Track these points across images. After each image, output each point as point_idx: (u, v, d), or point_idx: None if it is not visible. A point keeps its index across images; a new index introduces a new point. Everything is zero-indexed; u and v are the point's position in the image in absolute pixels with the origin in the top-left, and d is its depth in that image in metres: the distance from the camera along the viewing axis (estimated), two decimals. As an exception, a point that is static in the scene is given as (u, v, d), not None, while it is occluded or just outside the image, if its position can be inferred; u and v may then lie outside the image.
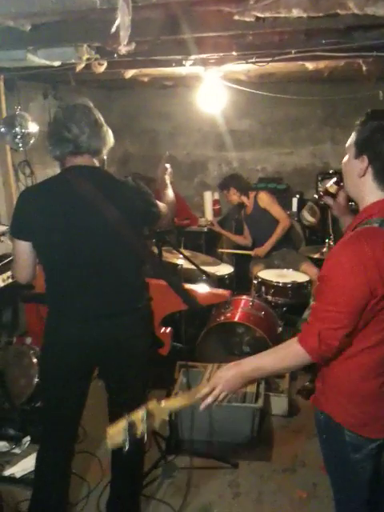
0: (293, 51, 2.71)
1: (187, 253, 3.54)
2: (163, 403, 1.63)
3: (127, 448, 1.53)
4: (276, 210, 4.36)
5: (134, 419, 1.55)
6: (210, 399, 1.63)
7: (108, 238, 2.02)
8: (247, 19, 1.92)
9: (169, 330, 2.54)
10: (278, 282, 3.80)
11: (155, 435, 3.04)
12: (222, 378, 1.62)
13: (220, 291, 3.19)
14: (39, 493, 2.26)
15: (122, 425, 1.54)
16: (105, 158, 2.15)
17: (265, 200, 4.39)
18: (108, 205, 1.97)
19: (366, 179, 1.52)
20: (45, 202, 2.01)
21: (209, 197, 5.22)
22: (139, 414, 1.56)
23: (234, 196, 4.50)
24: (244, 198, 4.49)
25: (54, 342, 2.14)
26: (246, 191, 4.49)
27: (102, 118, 2.08)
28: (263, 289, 3.86)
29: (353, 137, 1.55)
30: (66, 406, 2.19)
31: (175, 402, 1.72)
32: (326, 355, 1.53)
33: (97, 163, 2.08)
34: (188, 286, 2.73)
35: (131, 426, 1.54)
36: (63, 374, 2.14)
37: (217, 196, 5.41)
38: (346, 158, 1.60)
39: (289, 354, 1.57)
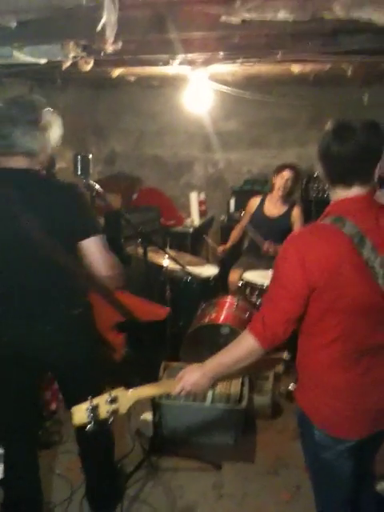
0: (279, 53, 2.72)
1: (173, 253, 3.54)
2: (130, 391, 1.70)
3: (91, 428, 1.60)
4: (296, 228, 4.25)
5: (98, 402, 1.63)
6: (180, 394, 1.76)
7: (21, 249, 1.94)
8: (234, 21, 1.92)
9: (121, 336, 2.46)
10: (262, 284, 3.80)
11: (139, 436, 3.04)
12: (189, 381, 1.73)
13: (158, 310, 2.83)
14: (9, 492, 2.34)
15: (85, 405, 1.61)
16: (43, 159, 2.00)
17: (298, 215, 4.26)
18: (25, 213, 1.88)
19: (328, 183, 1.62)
20: None
21: (195, 197, 5.22)
22: (104, 397, 1.64)
23: (289, 183, 4.17)
24: (289, 192, 4.22)
25: None
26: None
27: (47, 118, 1.96)
28: (248, 290, 3.86)
29: None
30: (16, 408, 2.25)
31: (142, 392, 1.77)
32: (273, 342, 1.59)
33: (34, 165, 1.97)
34: (130, 298, 2.51)
35: (94, 408, 1.61)
36: (5, 377, 2.19)
37: (203, 197, 5.41)
38: None
39: (242, 343, 1.65)
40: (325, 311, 1.54)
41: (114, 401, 1.65)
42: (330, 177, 1.59)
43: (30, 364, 2.17)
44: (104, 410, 1.64)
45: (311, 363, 1.66)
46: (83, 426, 1.61)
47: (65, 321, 2.09)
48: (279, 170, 4.19)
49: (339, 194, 1.58)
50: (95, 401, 1.63)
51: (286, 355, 3.62)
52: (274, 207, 4.31)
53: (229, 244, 4.57)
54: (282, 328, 1.56)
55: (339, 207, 1.57)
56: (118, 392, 1.67)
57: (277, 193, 4.20)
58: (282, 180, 4.15)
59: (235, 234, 4.58)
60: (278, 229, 4.17)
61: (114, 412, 1.66)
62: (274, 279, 1.60)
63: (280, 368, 1.80)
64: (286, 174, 4.14)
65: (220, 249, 4.55)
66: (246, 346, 1.63)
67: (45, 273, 2.00)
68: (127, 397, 1.69)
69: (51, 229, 1.91)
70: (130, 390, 1.71)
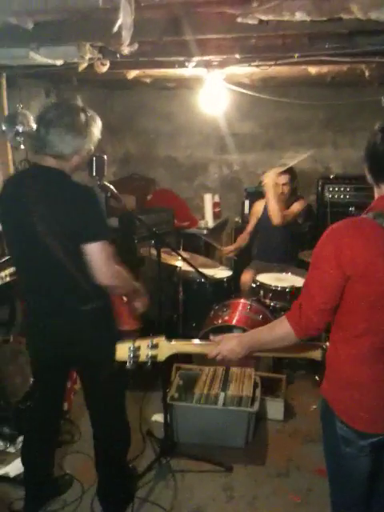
0: (296, 55, 2.71)
1: (186, 255, 3.53)
2: (173, 341, 1.78)
3: (129, 366, 1.71)
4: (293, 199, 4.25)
5: (140, 344, 1.72)
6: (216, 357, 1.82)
7: (35, 243, 1.99)
8: (250, 22, 1.91)
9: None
10: (277, 286, 3.78)
11: (150, 437, 3.04)
12: (226, 347, 1.78)
13: (130, 321, 2.56)
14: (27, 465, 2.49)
15: (128, 344, 1.71)
16: (75, 161, 2.08)
17: (299, 208, 4.20)
18: (42, 210, 1.95)
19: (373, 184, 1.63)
20: (5, 194, 2.12)
21: (209, 199, 5.21)
22: (146, 341, 1.73)
23: (287, 188, 4.14)
24: (288, 196, 4.16)
25: (28, 338, 2.38)
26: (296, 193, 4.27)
27: (82, 121, 2.03)
28: (261, 292, 3.85)
29: None
30: (45, 394, 2.41)
31: (182, 346, 1.86)
32: (308, 331, 1.64)
33: (64, 167, 2.05)
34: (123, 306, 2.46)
35: (136, 349, 1.72)
36: (39, 367, 2.36)
37: (217, 198, 5.40)
38: None
39: (277, 327, 1.71)
40: (355, 304, 1.55)
41: (154, 347, 1.73)
42: (375, 174, 1.62)
43: (51, 360, 2.24)
44: (144, 354, 1.73)
45: (338, 355, 1.66)
46: (122, 363, 1.71)
47: (77, 316, 2.10)
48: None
49: (377, 190, 1.62)
50: (137, 343, 1.71)
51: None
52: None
53: (233, 247, 4.55)
54: (317, 317, 1.59)
55: (382, 203, 1.59)
56: (160, 340, 1.75)
57: (279, 198, 4.12)
58: (278, 187, 4.10)
59: (242, 238, 4.55)
60: (286, 231, 4.18)
61: (153, 358, 1.74)
62: (312, 271, 1.62)
63: (318, 355, 1.82)
64: (282, 179, 4.10)
65: (225, 250, 4.54)
66: (281, 330, 1.68)
67: (56, 269, 2.02)
68: (167, 346, 1.77)
69: (62, 227, 1.96)
70: (173, 340, 1.78)
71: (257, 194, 4.59)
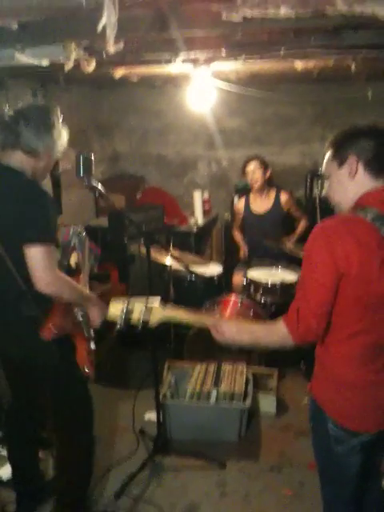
0: (282, 49, 2.71)
1: (176, 252, 3.53)
2: (167, 309, 1.74)
3: (120, 328, 1.66)
4: (296, 210, 4.37)
5: (133, 306, 1.68)
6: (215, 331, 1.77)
7: None
8: (235, 18, 1.91)
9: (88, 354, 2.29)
10: (267, 282, 3.79)
11: (143, 435, 3.04)
12: (226, 329, 1.73)
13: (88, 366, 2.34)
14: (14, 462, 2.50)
15: (122, 304, 1.67)
16: (44, 162, 2.07)
17: (289, 200, 4.33)
18: None
19: (357, 177, 1.62)
20: None
21: (198, 196, 5.20)
22: (140, 305, 1.69)
23: (258, 173, 4.22)
24: (262, 182, 4.25)
25: None
26: (270, 181, 4.36)
27: (59, 126, 2.06)
28: (252, 288, 3.86)
29: (327, 156, 1.70)
30: (17, 393, 2.42)
31: (177, 313, 1.79)
32: (306, 337, 1.59)
33: (30, 166, 2.02)
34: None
35: (129, 311, 1.67)
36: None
37: (207, 195, 5.40)
38: (331, 183, 1.72)
39: (274, 331, 1.65)
40: (349, 305, 1.55)
41: (147, 311, 1.69)
42: (370, 164, 1.64)
43: (7, 364, 2.30)
44: (137, 317, 1.69)
45: (330, 355, 1.66)
46: (112, 323, 1.67)
47: (18, 322, 2.06)
48: (244, 166, 4.28)
49: (368, 184, 1.63)
50: (131, 304, 1.67)
51: (302, 365, 3.64)
52: (260, 203, 4.37)
53: (244, 248, 4.55)
54: (315, 320, 1.55)
55: (374, 198, 1.60)
56: (155, 304, 1.72)
57: (254, 187, 4.28)
58: (250, 174, 4.24)
59: (240, 237, 4.58)
60: (272, 222, 4.28)
61: (145, 322, 1.70)
62: (305, 271, 1.59)
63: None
64: (251, 165, 4.22)
65: (242, 254, 4.55)
66: (278, 335, 1.63)
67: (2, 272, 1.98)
68: (161, 312, 1.73)
69: (3, 224, 1.93)
70: (168, 307, 1.75)
71: (246, 191, 4.60)
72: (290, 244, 4.06)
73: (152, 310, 1.69)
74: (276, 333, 1.63)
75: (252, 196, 4.41)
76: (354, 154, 1.61)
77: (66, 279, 2.01)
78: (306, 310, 1.55)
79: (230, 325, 1.77)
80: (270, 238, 4.13)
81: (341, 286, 1.52)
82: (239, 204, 4.50)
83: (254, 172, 4.23)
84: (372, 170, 1.60)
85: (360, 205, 1.59)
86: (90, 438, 2.34)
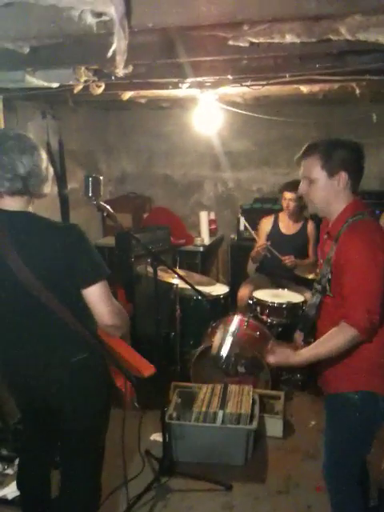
0: (287, 75, 2.75)
1: (182, 272, 3.55)
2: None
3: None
4: (311, 244, 4.35)
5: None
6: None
7: (17, 295, 1.86)
8: (241, 44, 1.95)
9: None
10: (273, 302, 3.80)
11: (149, 457, 3.01)
12: (286, 357, 1.97)
13: (143, 367, 2.50)
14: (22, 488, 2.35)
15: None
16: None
17: (313, 231, 4.32)
18: (18, 258, 1.78)
19: (341, 190, 1.91)
20: None
21: (205, 216, 5.24)
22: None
23: (292, 202, 4.20)
24: (297, 209, 4.24)
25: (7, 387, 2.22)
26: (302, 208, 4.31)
27: (41, 152, 1.89)
28: (258, 309, 3.86)
29: (312, 160, 1.97)
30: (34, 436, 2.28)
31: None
32: (371, 331, 1.81)
33: (27, 207, 1.89)
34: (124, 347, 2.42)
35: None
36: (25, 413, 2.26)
37: (213, 216, 5.44)
38: (315, 186, 1.96)
39: (339, 335, 1.84)
40: None
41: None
42: (353, 183, 1.95)
43: (42, 411, 2.13)
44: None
45: (369, 344, 1.87)
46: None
47: (65, 368, 1.97)
48: (282, 190, 4.28)
49: (348, 197, 1.95)
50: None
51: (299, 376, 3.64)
52: (289, 225, 4.39)
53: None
54: (377, 317, 1.79)
55: (353, 207, 1.92)
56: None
57: (288, 211, 4.29)
58: (285, 201, 4.25)
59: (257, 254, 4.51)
60: (296, 245, 4.29)
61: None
62: (365, 274, 1.79)
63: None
64: (288, 195, 4.21)
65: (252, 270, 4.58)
66: (344, 338, 1.82)
67: (44, 319, 1.91)
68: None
69: (47, 274, 1.82)
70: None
71: (252, 211, 4.62)
72: (302, 267, 4.11)
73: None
74: (342, 337, 1.83)
75: (281, 216, 4.42)
76: (343, 169, 1.86)
77: (121, 306, 1.98)
78: (374, 309, 1.78)
79: (288, 356, 1.96)
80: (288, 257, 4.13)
81: None
82: (266, 222, 4.47)
83: (290, 201, 4.22)
84: (353, 185, 1.91)
85: (355, 211, 1.88)
86: (98, 484, 2.23)
